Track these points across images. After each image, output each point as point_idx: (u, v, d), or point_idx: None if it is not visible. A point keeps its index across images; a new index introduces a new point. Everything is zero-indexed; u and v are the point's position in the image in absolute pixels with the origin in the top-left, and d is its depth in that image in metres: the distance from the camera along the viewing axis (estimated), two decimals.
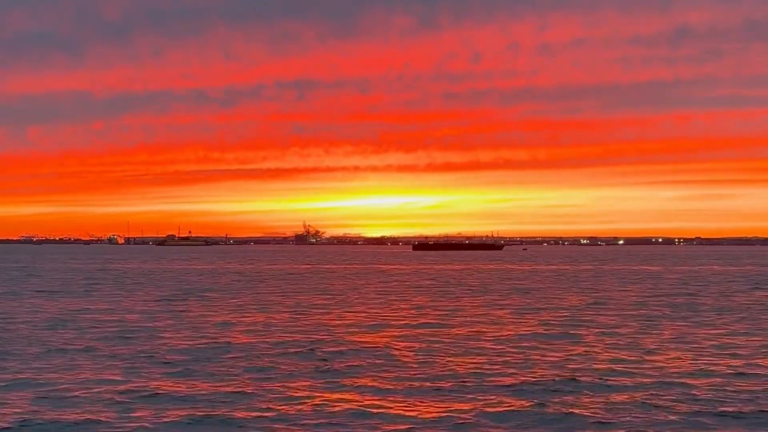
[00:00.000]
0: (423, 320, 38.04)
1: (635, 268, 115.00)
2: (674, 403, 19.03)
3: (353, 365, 24.55)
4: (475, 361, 25.32)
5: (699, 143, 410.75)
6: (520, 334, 32.26)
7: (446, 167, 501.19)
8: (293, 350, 27.59)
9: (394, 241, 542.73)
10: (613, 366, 24.18)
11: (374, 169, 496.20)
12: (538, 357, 26.16)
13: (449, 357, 26.15)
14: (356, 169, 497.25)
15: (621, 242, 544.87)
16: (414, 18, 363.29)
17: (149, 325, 35.83)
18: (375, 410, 18.40)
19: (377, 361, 25.28)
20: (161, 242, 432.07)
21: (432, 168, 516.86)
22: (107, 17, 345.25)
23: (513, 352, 27.21)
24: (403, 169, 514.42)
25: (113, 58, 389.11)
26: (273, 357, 26.10)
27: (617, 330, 33.78)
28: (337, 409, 18.55)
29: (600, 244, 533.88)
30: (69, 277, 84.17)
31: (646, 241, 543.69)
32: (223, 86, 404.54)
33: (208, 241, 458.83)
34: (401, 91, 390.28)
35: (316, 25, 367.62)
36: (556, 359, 25.64)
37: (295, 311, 42.88)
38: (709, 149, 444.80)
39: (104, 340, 30.48)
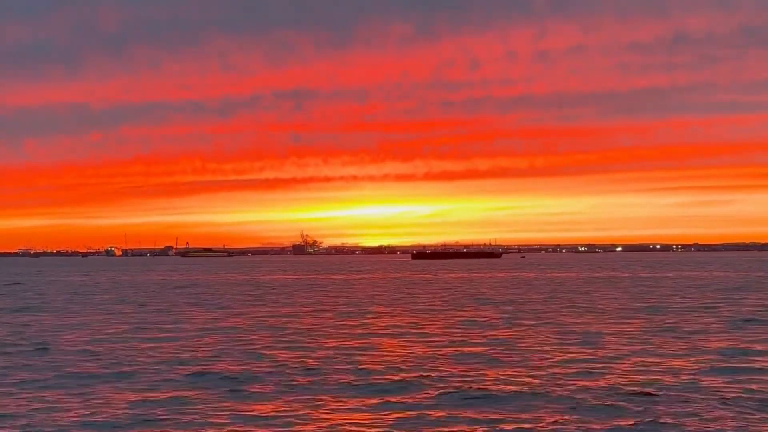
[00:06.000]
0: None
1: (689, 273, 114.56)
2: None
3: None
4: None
5: (696, 149, 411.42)
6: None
7: (444, 176, 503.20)
8: None
9: (392, 250, 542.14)
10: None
11: (372, 178, 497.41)
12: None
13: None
14: (354, 178, 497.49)
15: (619, 249, 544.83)
16: (411, 27, 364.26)
17: None
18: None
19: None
20: (184, 253, 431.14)
21: (430, 177, 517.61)
22: (104, 29, 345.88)
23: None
24: (400, 178, 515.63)
25: (110, 70, 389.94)
26: None
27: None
28: None
29: (598, 252, 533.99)
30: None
31: (644, 248, 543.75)
32: (221, 97, 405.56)
33: (230, 253, 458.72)
34: (399, 100, 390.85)
35: (313, 35, 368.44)
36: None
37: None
38: (707, 155, 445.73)
39: None
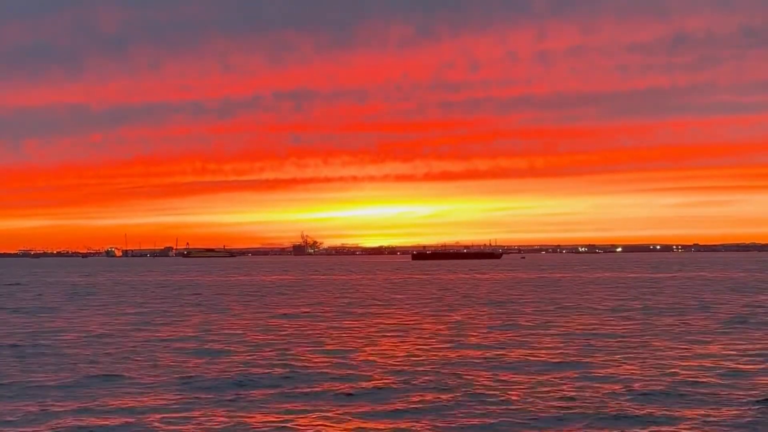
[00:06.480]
0: None
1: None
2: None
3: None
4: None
5: (696, 150, 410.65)
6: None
7: (444, 176, 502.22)
8: None
9: (392, 250, 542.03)
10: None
11: (372, 178, 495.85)
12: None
13: None
14: (354, 179, 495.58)
15: (619, 249, 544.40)
16: (412, 28, 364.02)
17: None
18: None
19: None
20: (186, 254, 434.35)
21: (429, 177, 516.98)
22: (104, 29, 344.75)
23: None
24: (400, 178, 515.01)
25: (110, 71, 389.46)
26: None
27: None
28: None
29: (598, 252, 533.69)
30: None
31: (644, 249, 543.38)
32: (221, 97, 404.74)
33: (233, 253, 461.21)
34: (399, 101, 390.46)
35: (313, 35, 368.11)
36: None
37: None
38: (707, 156, 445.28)
39: None
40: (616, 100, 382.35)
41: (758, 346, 31.40)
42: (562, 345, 32.01)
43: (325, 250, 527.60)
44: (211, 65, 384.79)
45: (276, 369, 26.30)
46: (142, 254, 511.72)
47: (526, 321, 42.79)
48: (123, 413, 19.84)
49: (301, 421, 18.92)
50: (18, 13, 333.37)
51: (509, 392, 21.89)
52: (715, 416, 18.91)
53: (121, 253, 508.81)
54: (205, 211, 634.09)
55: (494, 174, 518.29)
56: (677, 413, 19.22)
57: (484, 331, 37.95)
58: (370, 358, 28.94)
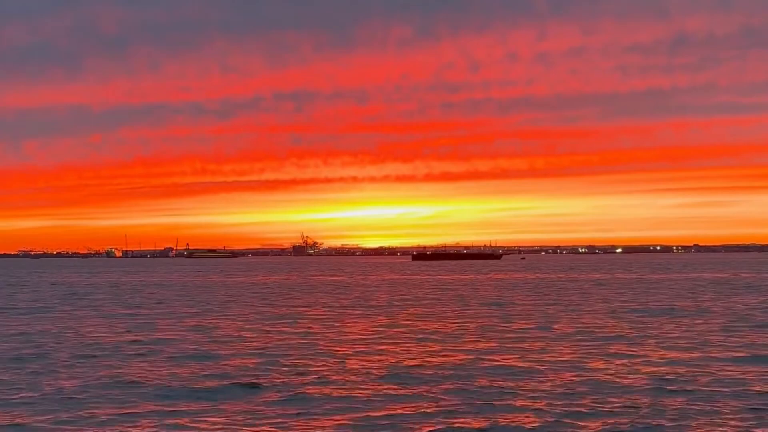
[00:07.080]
0: None
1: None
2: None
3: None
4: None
5: (697, 151, 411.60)
6: None
7: (444, 177, 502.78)
8: None
9: (392, 251, 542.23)
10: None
11: (372, 179, 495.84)
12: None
13: None
14: (354, 179, 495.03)
15: (619, 250, 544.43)
16: (412, 28, 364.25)
17: None
18: None
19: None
20: (189, 254, 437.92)
21: (430, 178, 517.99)
22: (104, 30, 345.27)
23: None
24: (401, 179, 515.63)
25: (110, 72, 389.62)
26: None
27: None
28: None
29: (598, 253, 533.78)
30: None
31: (644, 249, 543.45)
32: (221, 98, 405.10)
33: (234, 254, 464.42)
34: (399, 102, 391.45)
35: (313, 36, 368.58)
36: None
37: None
38: (707, 157, 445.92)
39: None
40: (616, 101, 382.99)
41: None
42: (566, 347, 31.75)
43: (325, 250, 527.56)
44: (211, 66, 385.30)
45: (278, 370, 26.06)
46: (142, 255, 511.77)
47: (527, 323, 42.51)
48: (121, 418, 19.59)
49: (308, 425, 18.66)
50: (18, 13, 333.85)
51: (513, 394, 21.64)
52: (723, 419, 18.66)
53: (121, 254, 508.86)
54: (205, 212, 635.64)
55: (494, 175, 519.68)
56: (685, 416, 18.98)
57: (486, 332, 37.67)
58: (373, 359, 28.67)
